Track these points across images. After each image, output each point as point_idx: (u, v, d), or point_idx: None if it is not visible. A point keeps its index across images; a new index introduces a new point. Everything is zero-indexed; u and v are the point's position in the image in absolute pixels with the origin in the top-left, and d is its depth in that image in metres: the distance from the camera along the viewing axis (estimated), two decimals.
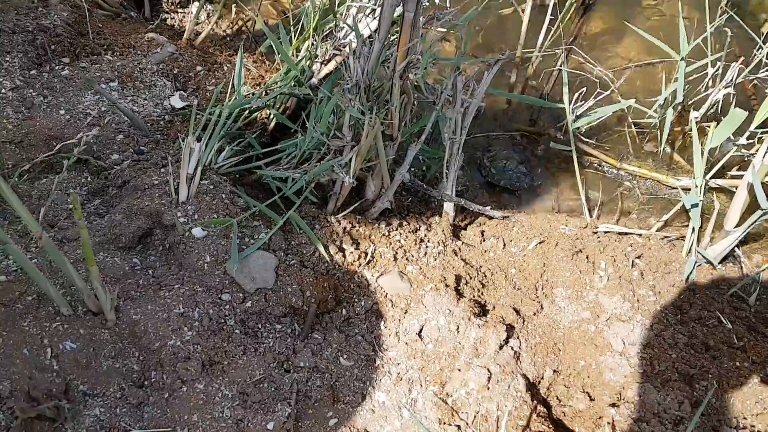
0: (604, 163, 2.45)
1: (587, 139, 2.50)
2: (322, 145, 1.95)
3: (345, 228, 1.94)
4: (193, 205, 1.76)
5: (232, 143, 2.03)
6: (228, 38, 2.88)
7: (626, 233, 2.18)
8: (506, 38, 2.86)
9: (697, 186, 2.02)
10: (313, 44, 2.26)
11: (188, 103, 2.20)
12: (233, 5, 2.97)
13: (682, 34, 2.16)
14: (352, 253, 1.90)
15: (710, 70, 2.22)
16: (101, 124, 2.07)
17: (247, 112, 2.15)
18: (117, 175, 1.94)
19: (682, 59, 2.13)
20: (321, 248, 1.82)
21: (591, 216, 2.28)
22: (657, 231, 2.21)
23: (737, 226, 1.93)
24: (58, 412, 1.44)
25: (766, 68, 2.25)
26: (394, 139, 1.91)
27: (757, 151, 1.90)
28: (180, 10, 2.96)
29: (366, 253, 1.92)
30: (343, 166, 1.86)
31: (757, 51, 2.33)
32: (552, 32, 2.49)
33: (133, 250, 1.77)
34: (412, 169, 2.40)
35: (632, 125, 2.49)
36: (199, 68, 2.37)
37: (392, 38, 1.87)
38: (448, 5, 1.97)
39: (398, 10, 1.63)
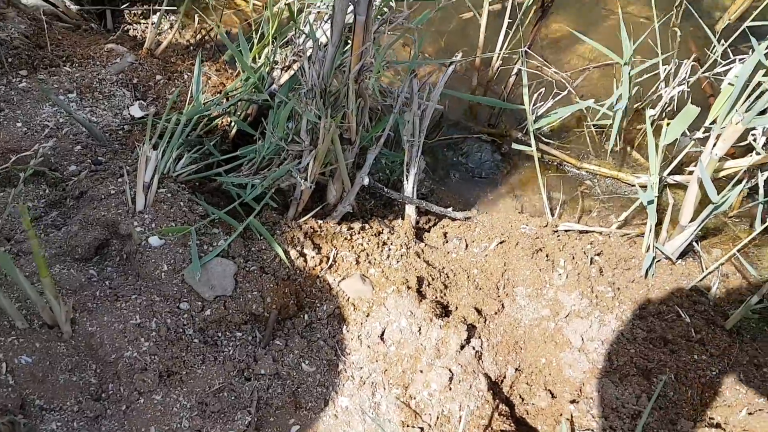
0: (565, 163, 2.49)
1: (548, 140, 2.53)
2: (282, 151, 1.96)
3: (306, 233, 1.94)
4: (150, 214, 1.75)
5: (192, 151, 2.02)
6: (191, 47, 2.87)
7: (586, 231, 2.21)
8: (468, 42, 2.88)
9: (652, 183, 2.05)
10: (272, 51, 2.26)
11: (148, 113, 2.19)
12: (196, 15, 2.97)
13: (624, 39, 2.20)
14: (313, 257, 1.90)
15: (662, 69, 2.26)
16: (59, 136, 2.05)
17: (206, 119, 2.15)
18: (74, 186, 1.92)
19: (625, 64, 2.17)
20: (281, 253, 1.82)
21: (553, 215, 2.31)
22: (617, 228, 2.24)
23: (692, 220, 1.96)
24: (13, 427, 1.42)
25: (720, 65, 2.29)
26: (353, 142, 1.92)
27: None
28: (143, 21, 2.94)
29: (328, 257, 1.93)
30: (302, 171, 1.87)
31: (712, 51, 2.38)
32: (510, 36, 2.52)
33: (89, 262, 1.76)
34: (378, 174, 2.42)
35: (591, 125, 2.53)
36: (159, 77, 2.36)
37: (346, 49, 1.88)
38: (405, 8, 1.98)
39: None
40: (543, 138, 2.54)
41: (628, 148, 2.51)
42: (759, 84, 2.03)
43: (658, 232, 2.16)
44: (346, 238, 2.00)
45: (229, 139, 2.27)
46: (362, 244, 2.02)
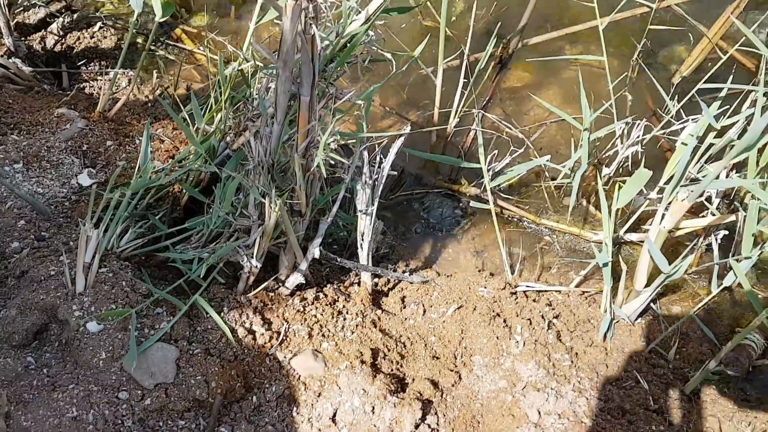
0: (524, 219, 2.47)
1: (507, 195, 2.52)
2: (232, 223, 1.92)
3: (256, 308, 1.90)
4: (90, 297, 1.70)
5: (139, 222, 1.98)
6: (149, 104, 2.83)
7: (545, 291, 2.19)
8: (429, 94, 2.88)
9: (606, 245, 2.04)
10: (225, 116, 2.23)
11: (96, 181, 2.14)
12: (155, 70, 2.94)
13: (585, 107, 2.20)
14: (263, 334, 1.85)
15: (618, 128, 2.27)
16: (2, 210, 1.99)
17: (156, 188, 2.10)
18: (16, 264, 1.86)
19: (585, 129, 2.17)
20: (228, 333, 1.77)
21: (513, 273, 2.28)
22: (576, 287, 2.22)
23: (647, 286, 1.95)
24: None
25: (675, 124, 2.29)
26: (303, 214, 1.89)
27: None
28: (99, 78, 2.91)
29: (278, 333, 1.88)
30: (249, 247, 1.83)
31: (664, 110, 2.40)
32: (466, 95, 2.52)
33: (27, 348, 1.69)
34: (337, 233, 2.38)
35: (550, 181, 2.52)
36: (109, 143, 2.32)
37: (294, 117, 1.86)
38: (360, 75, 1.97)
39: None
40: (502, 194, 2.53)
41: (586, 204, 2.50)
42: (711, 146, 2.05)
43: (615, 289, 2.15)
44: (298, 311, 1.96)
45: (181, 206, 2.22)
46: (316, 316, 1.97)
